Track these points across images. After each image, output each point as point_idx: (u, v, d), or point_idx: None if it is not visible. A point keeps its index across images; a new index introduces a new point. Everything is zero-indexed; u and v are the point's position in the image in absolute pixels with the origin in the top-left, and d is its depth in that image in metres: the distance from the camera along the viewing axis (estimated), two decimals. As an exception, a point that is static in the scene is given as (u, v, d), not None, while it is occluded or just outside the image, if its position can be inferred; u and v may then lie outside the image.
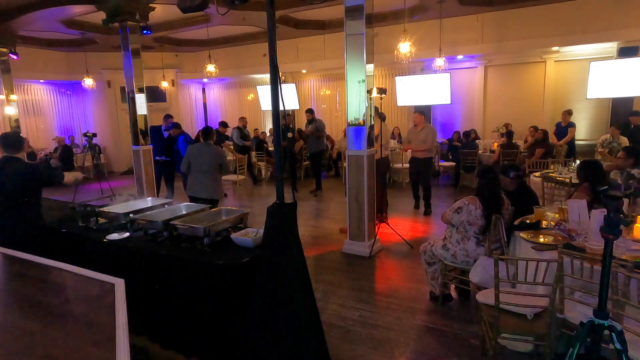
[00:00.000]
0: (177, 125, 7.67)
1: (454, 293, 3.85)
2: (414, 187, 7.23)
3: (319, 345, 2.55)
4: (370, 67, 4.78)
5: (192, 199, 4.96)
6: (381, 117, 6.22)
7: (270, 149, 10.56)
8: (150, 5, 7.00)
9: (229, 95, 14.53)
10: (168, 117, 7.69)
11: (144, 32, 7.16)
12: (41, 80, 12.11)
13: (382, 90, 5.07)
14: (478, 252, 3.39)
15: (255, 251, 2.67)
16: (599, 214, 2.59)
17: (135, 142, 7.15)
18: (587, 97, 8.11)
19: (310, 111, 9.22)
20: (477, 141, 9.42)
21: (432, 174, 6.85)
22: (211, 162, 4.97)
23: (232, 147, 9.83)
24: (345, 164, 5.14)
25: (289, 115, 9.79)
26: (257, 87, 12.38)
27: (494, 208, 3.34)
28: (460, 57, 9.79)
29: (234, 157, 9.41)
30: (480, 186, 3.45)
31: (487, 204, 3.35)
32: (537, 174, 5.90)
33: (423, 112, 7.02)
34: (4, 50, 8.63)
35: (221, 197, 5.27)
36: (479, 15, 8.90)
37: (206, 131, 5.19)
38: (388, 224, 5.75)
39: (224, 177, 8.57)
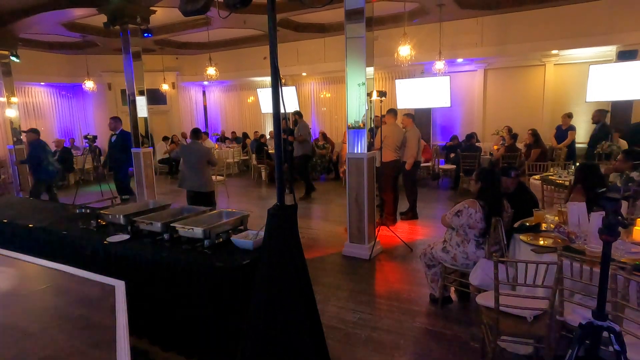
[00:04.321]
0: (34, 130, 7.47)
1: (453, 295, 3.86)
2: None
3: (319, 348, 2.55)
4: (370, 70, 4.79)
5: (187, 193, 5.74)
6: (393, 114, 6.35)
7: (270, 151, 10.58)
8: (151, 8, 7.03)
9: (229, 97, 14.57)
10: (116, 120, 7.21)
11: (145, 35, 7.19)
12: (42, 83, 12.14)
13: (382, 93, 5.09)
14: (478, 254, 3.39)
15: (255, 253, 2.68)
16: (598, 217, 2.60)
17: (136, 144, 7.16)
18: (587, 101, 8.14)
19: (296, 113, 8.75)
20: (477, 144, 9.43)
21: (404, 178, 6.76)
22: (199, 158, 5.59)
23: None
24: (345, 167, 5.15)
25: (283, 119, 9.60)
26: (257, 89, 12.43)
27: (496, 211, 3.35)
28: (460, 60, 9.83)
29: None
30: (483, 189, 3.45)
31: (490, 207, 3.36)
32: (537, 176, 5.91)
33: (410, 115, 6.87)
34: (5, 52, 8.66)
35: (213, 189, 5.88)
36: (479, 18, 8.94)
37: (195, 131, 5.88)
38: (388, 227, 5.75)
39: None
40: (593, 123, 7.60)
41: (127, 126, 7.38)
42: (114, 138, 6.79)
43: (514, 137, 8.56)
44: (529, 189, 4.33)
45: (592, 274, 2.42)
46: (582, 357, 1.74)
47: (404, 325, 3.44)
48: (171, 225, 2.98)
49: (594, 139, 7.31)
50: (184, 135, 13.55)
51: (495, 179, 3.49)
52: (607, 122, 7.47)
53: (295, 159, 8.45)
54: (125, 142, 6.74)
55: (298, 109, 9.57)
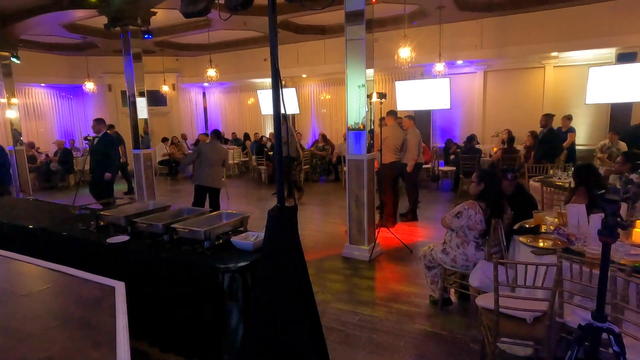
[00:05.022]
0: None
1: (453, 297, 3.86)
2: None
3: (319, 349, 2.55)
4: (370, 71, 4.80)
5: (199, 188, 6.18)
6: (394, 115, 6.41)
7: (270, 153, 10.59)
8: (152, 10, 7.04)
9: (229, 99, 14.58)
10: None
11: (145, 36, 7.20)
12: (42, 84, 12.16)
13: (382, 95, 5.10)
14: (477, 256, 3.40)
15: (255, 255, 2.68)
16: (598, 219, 2.60)
17: (136, 145, 7.17)
18: (586, 103, 8.16)
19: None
20: (477, 146, 9.44)
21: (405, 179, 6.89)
22: (218, 157, 6.18)
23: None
24: (345, 168, 5.16)
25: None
26: (257, 91, 12.44)
27: (498, 212, 3.35)
28: (459, 62, 9.85)
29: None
30: (486, 190, 3.45)
31: (492, 208, 3.36)
32: (537, 178, 5.92)
33: (411, 117, 6.90)
34: (6, 54, 8.67)
35: (222, 187, 6.51)
36: (479, 20, 8.96)
37: (217, 132, 6.54)
38: (388, 228, 5.75)
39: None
40: (541, 127, 7.81)
41: (127, 127, 7.36)
42: (96, 140, 6.61)
43: (511, 140, 8.57)
44: (527, 191, 4.33)
45: (592, 276, 2.42)
46: (582, 358, 1.74)
47: (404, 327, 3.44)
48: (171, 226, 2.98)
49: (542, 142, 7.62)
50: (184, 137, 13.57)
51: (498, 180, 3.51)
52: (554, 126, 7.77)
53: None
54: (108, 147, 6.63)
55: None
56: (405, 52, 7.45)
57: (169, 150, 12.51)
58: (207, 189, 6.17)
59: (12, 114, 9.06)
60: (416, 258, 4.86)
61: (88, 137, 7.85)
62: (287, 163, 8.54)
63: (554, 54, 9.02)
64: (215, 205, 6.45)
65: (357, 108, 4.81)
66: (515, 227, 3.47)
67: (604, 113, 8.93)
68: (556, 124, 8.75)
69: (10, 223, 3.82)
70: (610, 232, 1.56)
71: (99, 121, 6.68)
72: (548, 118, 7.68)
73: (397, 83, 10.12)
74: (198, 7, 2.41)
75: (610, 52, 8.52)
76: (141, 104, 7.13)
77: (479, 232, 3.39)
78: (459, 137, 10.60)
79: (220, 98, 14.75)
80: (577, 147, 8.51)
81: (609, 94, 7.73)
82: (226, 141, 13.60)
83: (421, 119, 10.89)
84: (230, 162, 11.81)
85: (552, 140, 7.50)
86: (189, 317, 2.75)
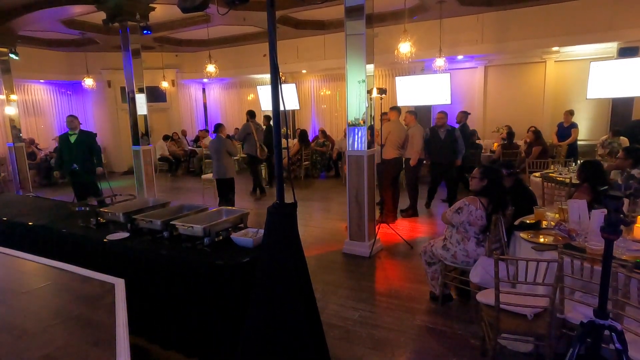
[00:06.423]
0: None
1: (454, 293, 3.85)
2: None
3: (318, 346, 2.55)
4: (370, 67, 4.78)
5: (216, 181, 6.87)
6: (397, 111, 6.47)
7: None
8: (151, 5, 7.00)
9: (229, 95, 14.53)
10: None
11: (144, 32, 7.15)
12: (41, 80, 12.11)
13: (382, 91, 5.07)
14: (478, 252, 3.39)
15: (255, 251, 2.68)
16: (599, 214, 2.60)
17: (136, 142, 7.14)
18: (587, 98, 8.11)
19: (247, 112, 8.64)
20: (477, 141, 9.41)
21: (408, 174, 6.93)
22: (220, 149, 6.57)
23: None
24: (346, 165, 5.15)
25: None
26: (257, 87, 12.38)
27: (502, 207, 3.35)
28: (460, 57, 9.79)
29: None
30: (489, 186, 3.44)
31: (496, 203, 3.35)
32: (537, 174, 5.91)
33: (413, 112, 6.93)
34: (4, 50, 8.63)
35: (233, 176, 6.84)
36: (479, 15, 8.90)
37: (216, 126, 6.90)
38: (388, 224, 5.74)
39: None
40: (457, 123, 7.85)
41: (127, 124, 7.33)
42: (73, 137, 6.50)
43: (511, 136, 8.55)
44: (527, 186, 4.32)
45: (593, 272, 2.42)
46: (583, 355, 1.73)
47: (404, 323, 3.44)
48: (171, 223, 2.97)
49: (454, 140, 7.68)
50: (184, 133, 13.54)
51: (501, 176, 3.51)
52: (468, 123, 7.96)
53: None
54: (92, 143, 6.45)
55: (250, 109, 8.95)
56: (405, 47, 7.41)
57: (169, 149, 12.49)
58: (218, 181, 6.72)
59: (11, 111, 9.03)
60: (416, 254, 4.85)
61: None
62: (250, 161, 8.63)
63: (555, 48, 8.97)
64: (225, 196, 6.65)
65: (357, 104, 4.79)
66: (516, 222, 3.46)
67: (605, 108, 8.89)
68: (556, 119, 8.75)
69: (10, 220, 3.82)
70: (613, 229, 1.55)
71: (74, 117, 6.55)
72: (464, 115, 7.83)
73: (398, 78, 10.07)
74: (196, 2, 2.38)
75: (611, 47, 8.47)
76: (141, 100, 7.10)
77: (479, 228, 3.38)
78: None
79: (220, 94, 14.69)
80: (578, 143, 8.49)
81: (610, 89, 7.68)
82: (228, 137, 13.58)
83: (421, 114, 10.86)
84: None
85: (465, 137, 7.57)
86: (189, 314, 2.75)
